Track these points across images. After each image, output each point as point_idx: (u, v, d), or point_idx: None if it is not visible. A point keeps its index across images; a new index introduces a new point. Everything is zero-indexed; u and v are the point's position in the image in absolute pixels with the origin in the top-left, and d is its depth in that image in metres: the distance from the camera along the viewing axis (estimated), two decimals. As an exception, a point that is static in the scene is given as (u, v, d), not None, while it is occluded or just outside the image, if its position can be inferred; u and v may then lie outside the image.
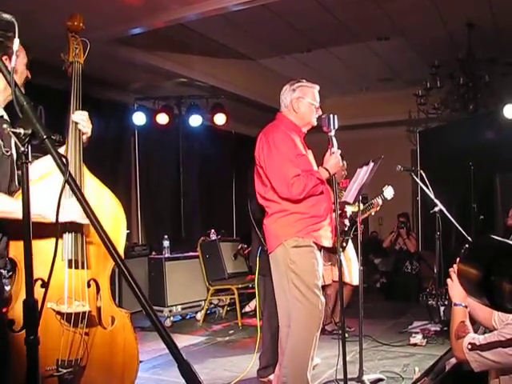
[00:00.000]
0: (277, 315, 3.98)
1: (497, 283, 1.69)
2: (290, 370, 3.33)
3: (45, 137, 1.33)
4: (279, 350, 3.65)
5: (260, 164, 3.42)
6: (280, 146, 3.32)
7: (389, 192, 5.61)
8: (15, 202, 2.23)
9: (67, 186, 1.39)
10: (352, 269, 5.52)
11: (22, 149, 1.38)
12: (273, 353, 4.19)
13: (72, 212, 2.29)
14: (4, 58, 2.20)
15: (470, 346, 2.14)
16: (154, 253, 7.24)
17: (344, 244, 5.44)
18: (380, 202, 5.61)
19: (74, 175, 2.39)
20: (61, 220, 2.29)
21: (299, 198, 3.27)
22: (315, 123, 3.55)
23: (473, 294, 1.92)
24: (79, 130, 2.56)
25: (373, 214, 5.82)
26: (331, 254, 5.30)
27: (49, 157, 2.39)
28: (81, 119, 2.57)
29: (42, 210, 2.18)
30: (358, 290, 4.31)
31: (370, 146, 6.46)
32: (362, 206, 5.19)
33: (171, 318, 6.64)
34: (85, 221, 2.39)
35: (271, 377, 4.11)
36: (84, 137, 2.61)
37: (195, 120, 8.10)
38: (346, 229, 5.44)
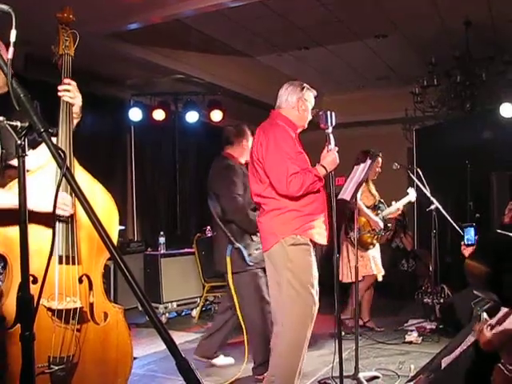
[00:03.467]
0: (256, 312, 4.09)
1: (507, 279, 1.67)
2: (279, 370, 3.29)
3: (42, 130, 1.32)
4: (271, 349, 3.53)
5: (259, 160, 3.40)
6: (280, 143, 3.32)
7: (413, 195, 5.69)
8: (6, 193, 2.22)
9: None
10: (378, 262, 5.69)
11: (19, 142, 1.36)
12: (266, 349, 4.19)
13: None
14: None
15: (489, 328, 2.16)
16: (149, 249, 7.23)
17: (374, 241, 5.58)
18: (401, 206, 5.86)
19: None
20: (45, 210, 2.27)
21: (297, 196, 3.28)
22: (306, 126, 3.60)
23: (481, 290, 1.91)
24: (70, 116, 2.51)
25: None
26: (363, 250, 5.48)
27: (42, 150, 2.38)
28: (65, 89, 2.52)
29: (36, 202, 2.17)
30: (355, 288, 4.30)
31: (367, 144, 6.44)
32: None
33: (166, 314, 6.63)
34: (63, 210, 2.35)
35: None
36: (74, 108, 2.55)
37: (192, 116, 8.08)
38: (378, 229, 5.59)
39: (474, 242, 3.20)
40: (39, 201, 2.20)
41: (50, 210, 2.23)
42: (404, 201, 5.77)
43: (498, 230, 1.88)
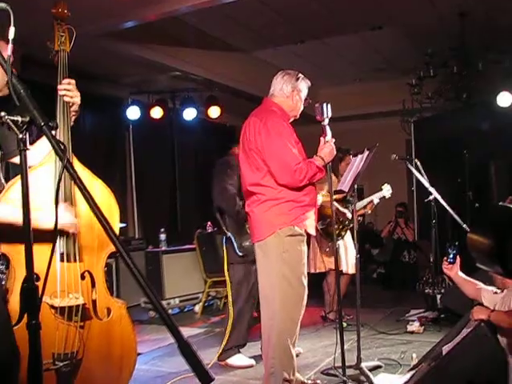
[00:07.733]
0: (243, 301, 4.32)
1: (510, 250, 1.67)
2: (277, 361, 3.29)
3: (43, 124, 1.34)
4: (263, 343, 3.48)
5: (257, 148, 3.33)
6: (282, 132, 3.30)
7: (387, 191, 5.67)
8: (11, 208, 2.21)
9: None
10: (349, 258, 5.50)
11: (20, 136, 1.39)
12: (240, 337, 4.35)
13: (64, 217, 2.27)
14: None
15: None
16: (150, 246, 7.25)
17: (342, 233, 5.45)
18: (376, 201, 5.79)
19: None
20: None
21: (299, 186, 3.28)
22: (298, 116, 3.60)
23: (484, 263, 1.92)
24: (68, 112, 2.52)
25: (369, 212, 5.91)
26: (329, 241, 5.36)
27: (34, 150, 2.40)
28: (66, 88, 2.52)
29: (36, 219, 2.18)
30: (354, 279, 4.32)
31: (364, 137, 6.47)
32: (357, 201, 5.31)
33: (169, 310, 6.66)
34: (72, 229, 2.38)
35: (229, 360, 4.30)
36: (73, 107, 2.56)
37: (189, 113, 8.09)
38: (345, 220, 5.44)
39: (453, 261, 3.19)
40: (39, 217, 2.15)
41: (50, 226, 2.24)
42: (376, 196, 5.76)
43: (498, 203, 1.90)
